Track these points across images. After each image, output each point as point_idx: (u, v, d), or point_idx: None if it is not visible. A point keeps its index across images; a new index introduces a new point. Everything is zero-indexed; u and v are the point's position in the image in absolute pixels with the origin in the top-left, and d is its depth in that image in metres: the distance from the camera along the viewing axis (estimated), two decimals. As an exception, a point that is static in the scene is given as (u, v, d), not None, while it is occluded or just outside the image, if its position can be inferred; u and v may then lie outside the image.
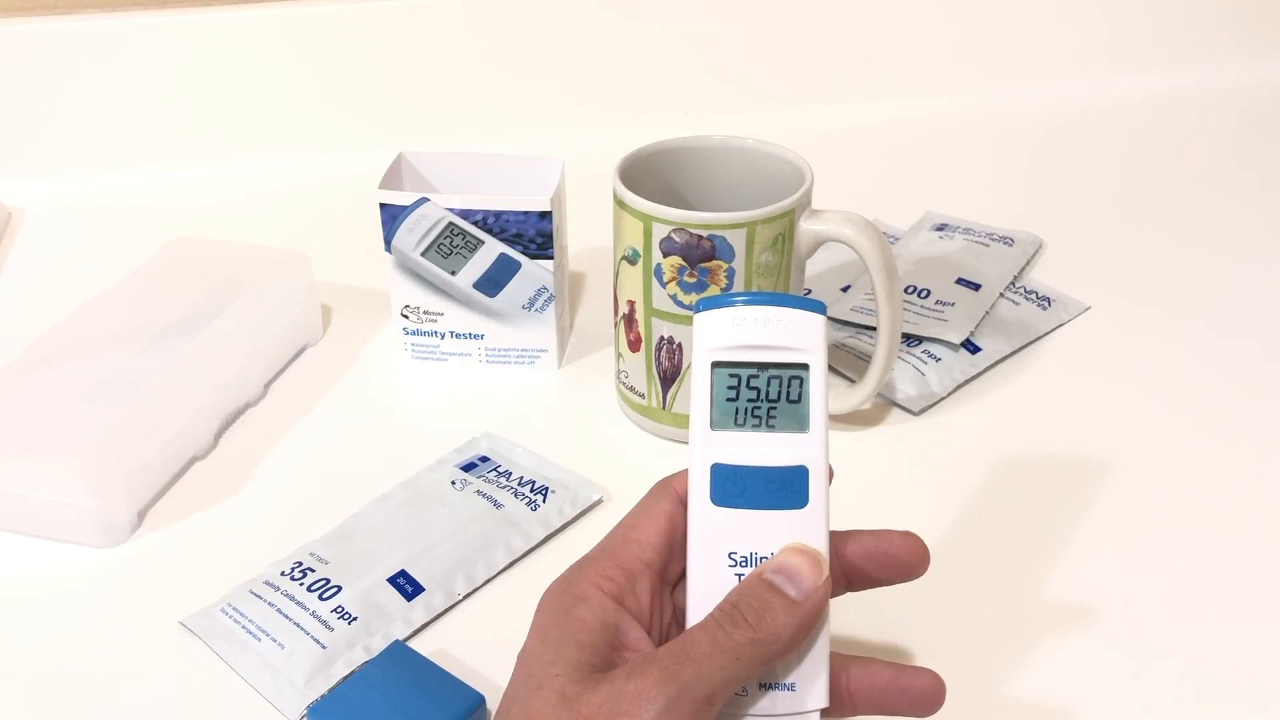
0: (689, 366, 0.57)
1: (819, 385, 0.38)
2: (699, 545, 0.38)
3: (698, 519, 0.38)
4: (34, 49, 0.82)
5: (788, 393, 0.38)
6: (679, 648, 0.35)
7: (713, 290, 0.55)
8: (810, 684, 0.37)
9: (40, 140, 0.85)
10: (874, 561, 0.40)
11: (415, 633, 0.49)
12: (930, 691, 0.38)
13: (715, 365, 0.39)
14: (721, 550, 0.37)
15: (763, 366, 0.38)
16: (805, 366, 0.38)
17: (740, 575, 0.37)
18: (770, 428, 0.38)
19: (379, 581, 0.50)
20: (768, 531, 0.37)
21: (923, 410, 0.61)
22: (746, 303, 0.39)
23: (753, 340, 0.38)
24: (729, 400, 0.39)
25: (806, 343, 0.38)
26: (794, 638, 0.36)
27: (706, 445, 0.38)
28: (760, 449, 0.38)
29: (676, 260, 0.55)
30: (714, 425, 0.38)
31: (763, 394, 0.39)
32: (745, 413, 0.38)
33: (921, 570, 0.40)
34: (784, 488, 0.38)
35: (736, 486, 0.38)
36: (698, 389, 0.39)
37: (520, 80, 0.89)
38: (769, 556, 0.37)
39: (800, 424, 0.38)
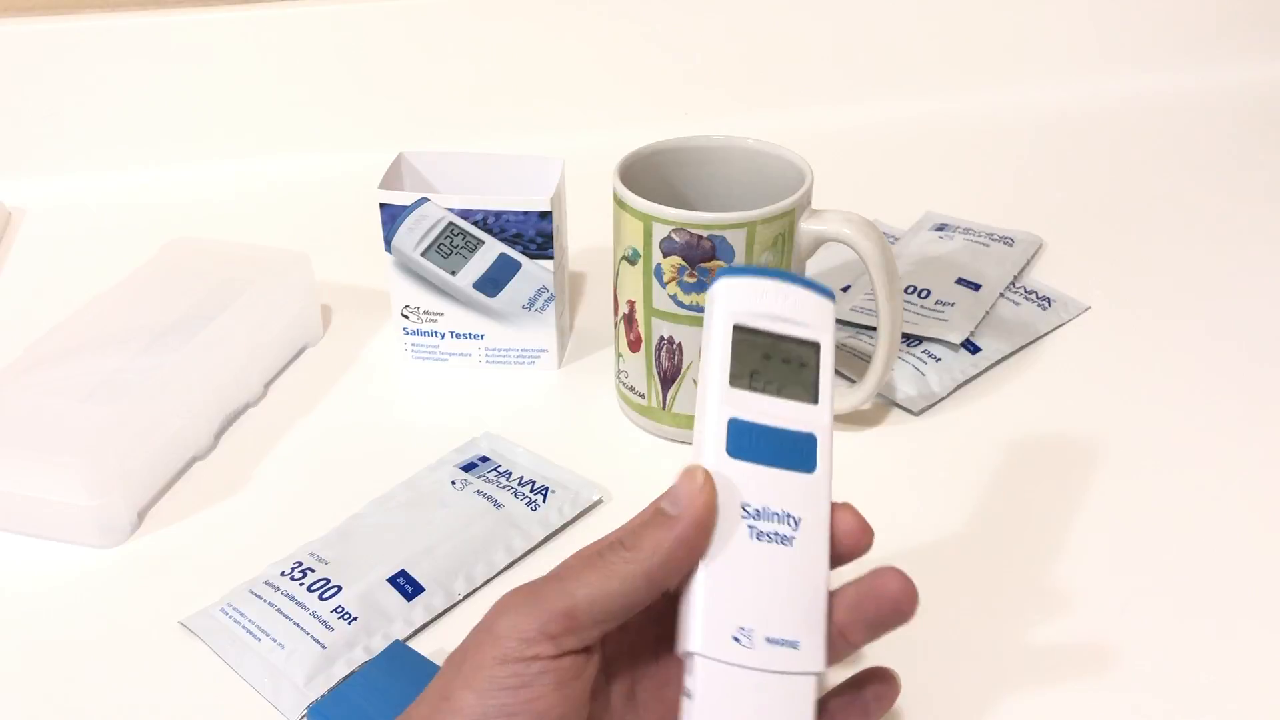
0: (690, 366, 0.57)
1: (828, 364, 0.40)
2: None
3: (713, 470, 0.38)
4: (34, 49, 0.82)
5: (799, 366, 0.40)
6: (554, 570, 0.37)
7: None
8: (813, 645, 0.37)
9: (40, 140, 0.85)
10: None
11: (415, 633, 0.49)
12: (901, 590, 0.38)
13: (738, 328, 0.40)
14: (735, 500, 0.37)
15: (778, 337, 0.40)
16: (817, 345, 0.40)
17: (752, 527, 0.37)
18: (782, 395, 0.39)
19: (379, 581, 0.50)
20: (779, 489, 0.38)
21: (923, 410, 0.61)
22: (768, 276, 0.41)
23: (775, 311, 0.40)
24: (746, 363, 0.40)
25: (819, 323, 0.41)
26: (673, 551, 0.36)
27: (724, 402, 0.39)
28: (773, 411, 0.39)
29: (676, 260, 0.55)
30: (732, 383, 0.39)
31: (777, 363, 0.40)
32: (760, 377, 0.40)
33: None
34: (795, 451, 0.39)
35: (751, 442, 0.38)
36: (715, 349, 0.40)
37: (520, 80, 0.89)
38: (779, 513, 0.38)
39: (810, 396, 0.40)
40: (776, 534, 0.37)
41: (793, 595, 0.37)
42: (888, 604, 0.38)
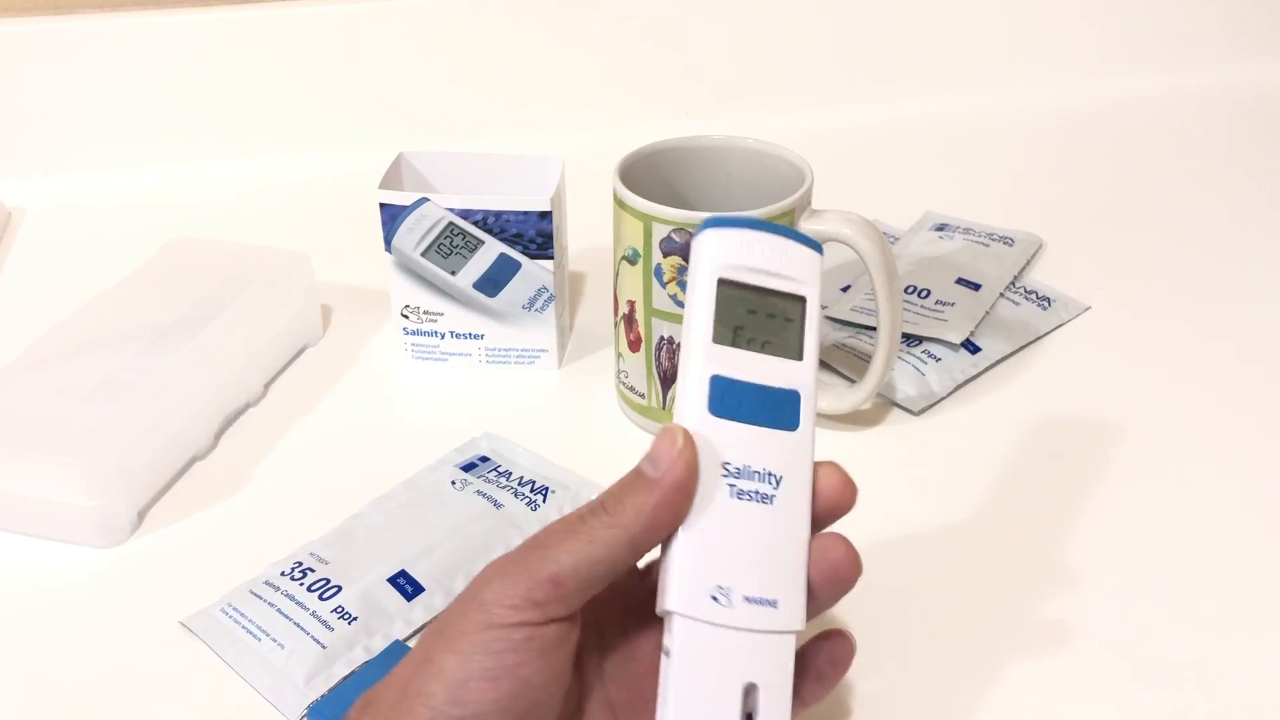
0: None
1: (813, 319, 0.40)
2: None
3: (694, 429, 0.37)
4: (34, 49, 0.82)
5: (785, 321, 0.39)
6: (535, 537, 0.36)
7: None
8: (792, 604, 0.37)
9: (40, 140, 0.85)
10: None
11: (415, 633, 0.49)
12: (843, 555, 0.38)
13: (721, 282, 0.39)
14: (715, 459, 0.37)
15: (764, 291, 0.39)
16: (803, 299, 0.40)
17: (732, 485, 0.37)
18: (766, 351, 0.39)
19: (379, 581, 0.50)
20: (761, 447, 0.38)
21: (923, 410, 0.61)
22: (755, 228, 0.40)
23: (759, 264, 0.39)
24: (730, 318, 0.39)
25: (806, 276, 0.40)
26: (655, 514, 0.35)
27: (707, 358, 0.38)
28: (756, 368, 0.38)
29: (676, 260, 0.55)
30: (715, 339, 0.38)
31: (762, 318, 0.39)
32: (744, 333, 0.39)
33: (846, 508, 0.39)
34: (778, 408, 0.38)
35: (734, 400, 0.38)
36: (699, 304, 0.39)
37: (520, 80, 0.89)
38: (760, 471, 0.37)
39: (795, 352, 0.39)
40: (757, 493, 0.37)
41: (773, 554, 0.37)
42: (828, 568, 0.38)
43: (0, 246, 0.79)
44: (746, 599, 0.36)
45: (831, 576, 0.38)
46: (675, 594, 0.36)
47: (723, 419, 0.37)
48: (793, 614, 0.37)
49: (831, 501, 0.38)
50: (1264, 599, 0.50)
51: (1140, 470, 0.57)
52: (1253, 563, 0.52)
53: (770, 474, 0.37)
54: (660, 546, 0.37)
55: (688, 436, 0.36)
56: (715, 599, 0.36)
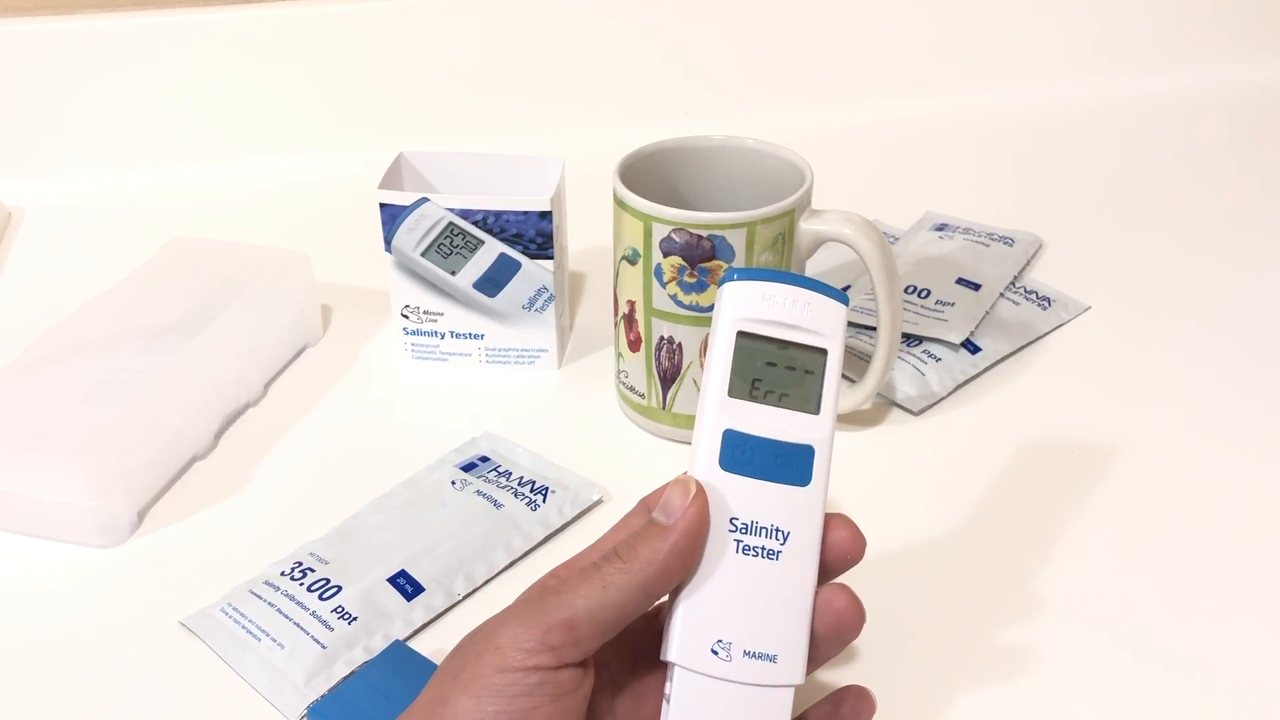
0: (690, 365, 0.57)
1: (833, 373, 0.40)
2: None
3: (704, 481, 0.38)
4: (34, 49, 0.82)
5: (804, 374, 0.39)
6: (549, 583, 0.37)
7: (713, 290, 0.55)
8: (792, 659, 0.37)
9: (40, 140, 0.85)
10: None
11: (415, 633, 0.49)
12: (845, 607, 0.38)
13: (741, 335, 0.39)
14: (723, 515, 0.38)
15: (784, 344, 0.39)
16: (824, 352, 0.40)
17: (739, 542, 0.37)
18: (783, 405, 0.39)
19: (379, 581, 0.50)
20: (769, 503, 0.38)
21: (923, 410, 0.61)
22: (778, 280, 0.40)
23: (780, 317, 0.39)
24: (748, 371, 0.39)
25: (828, 329, 0.40)
26: (668, 561, 0.36)
27: (721, 411, 0.39)
28: (771, 422, 0.39)
29: (676, 260, 0.55)
30: (731, 392, 0.39)
31: (781, 370, 0.39)
32: (762, 385, 0.39)
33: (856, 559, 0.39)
34: (790, 464, 0.38)
35: (745, 455, 0.38)
36: (717, 355, 0.39)
37: (520, 80, 0.89)
38: (768, 527, 0.38)
39: (812, 406, 0.39)
40: (763, 548, 0.38)
41: (775, 609, 0.38)
42: (831, 619, 0.38)
43: (0, 246, 0.79)
44: (746, 653, 0.37)
45: (835, 627, 0.38)
46: (676, 645, 0.37)
47: (733, 473, 0.38)
48: (792, 669, 0.37)
49: (840, 554, 0.39)
50: (1268, 598, 0.50)
51: (1141, 469, 0.57)
52: (1256, 561, 0.52)
53: (778, 530, 0.38)
54: (668, 594, 0.38)
55: (699, 486, 0.37)
56: (715, 652, 0.37)
